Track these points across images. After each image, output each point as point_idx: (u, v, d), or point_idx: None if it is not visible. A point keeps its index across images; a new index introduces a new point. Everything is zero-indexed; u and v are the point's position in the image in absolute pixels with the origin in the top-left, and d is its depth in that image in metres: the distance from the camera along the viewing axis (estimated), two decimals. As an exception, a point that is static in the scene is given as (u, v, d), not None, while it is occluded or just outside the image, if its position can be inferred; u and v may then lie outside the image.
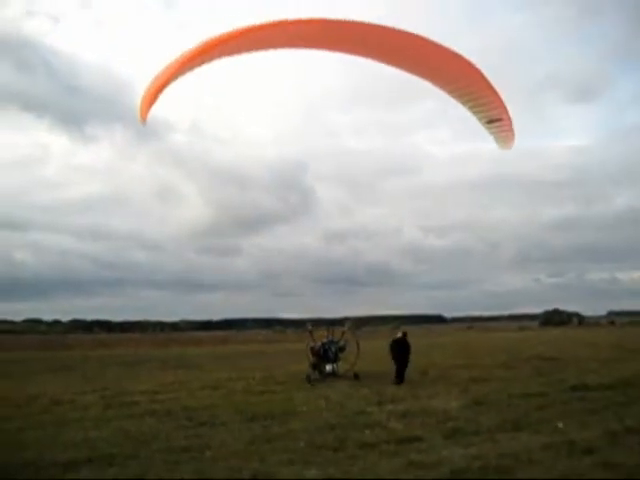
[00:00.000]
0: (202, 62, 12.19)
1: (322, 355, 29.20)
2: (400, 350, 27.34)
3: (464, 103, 13.27)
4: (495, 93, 12.75)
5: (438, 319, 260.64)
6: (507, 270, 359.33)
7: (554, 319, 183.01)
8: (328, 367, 28.90)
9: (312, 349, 29.52)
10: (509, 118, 13.45)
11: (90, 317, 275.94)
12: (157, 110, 13.06)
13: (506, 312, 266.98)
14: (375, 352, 36.58)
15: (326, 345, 29.39)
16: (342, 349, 29.55)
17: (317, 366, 29.11)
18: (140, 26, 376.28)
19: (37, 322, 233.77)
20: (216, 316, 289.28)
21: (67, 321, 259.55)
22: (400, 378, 26.56)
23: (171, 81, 12.33)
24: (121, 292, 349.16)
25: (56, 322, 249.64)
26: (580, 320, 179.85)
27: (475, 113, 13.40)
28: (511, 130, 13.57)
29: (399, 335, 27.58)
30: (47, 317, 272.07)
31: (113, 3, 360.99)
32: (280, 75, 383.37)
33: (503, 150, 14.02)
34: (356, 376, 28.21)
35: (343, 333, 30.42)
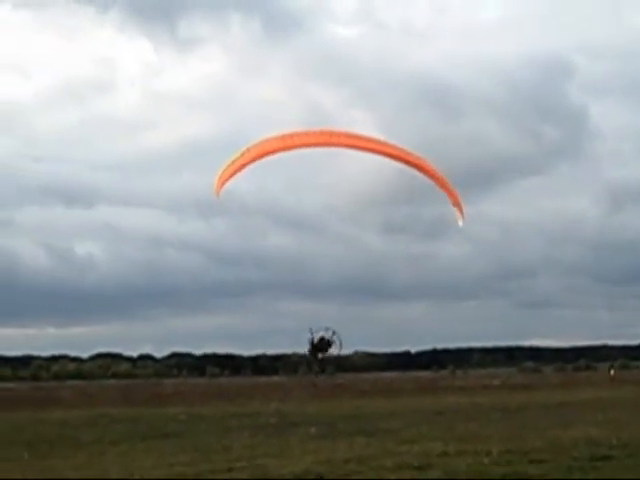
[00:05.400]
0: (278, 151, 18.03)
1: None
2: None
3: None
4: (453, 191, 20.41)
5: None
6: None
7: None
8: None
9: None
10: (460, 206, 20.75)
11: (200, 349, 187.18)
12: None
13: None
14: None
15: None
16: None
17: None
18: None
19: (113, 358, 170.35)
20: (416, 344, 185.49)
21: (162, 357, 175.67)
22: None
23: (249, 164, 18.03)
24: (247, 304, 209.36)
25: (144, 358, 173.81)
26: None
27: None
28: (462, 215, 20.81)
29: None
30: (129, 350, 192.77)
31: None
32: None
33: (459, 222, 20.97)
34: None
35: None
